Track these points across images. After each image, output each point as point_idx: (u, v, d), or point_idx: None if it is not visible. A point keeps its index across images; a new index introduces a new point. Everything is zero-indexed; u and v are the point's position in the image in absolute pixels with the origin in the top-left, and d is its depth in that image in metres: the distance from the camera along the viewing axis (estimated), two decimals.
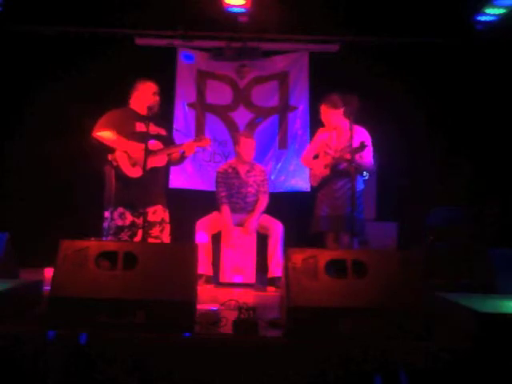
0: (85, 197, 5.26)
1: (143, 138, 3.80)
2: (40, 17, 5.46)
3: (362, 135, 4.23)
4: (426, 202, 5.33)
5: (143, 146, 3.73)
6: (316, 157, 4.47)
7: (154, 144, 3.90)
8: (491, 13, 5.24)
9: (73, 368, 2.28)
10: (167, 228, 4.03)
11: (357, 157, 4.01)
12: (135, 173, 3.85)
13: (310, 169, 4.49)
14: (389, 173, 5.67)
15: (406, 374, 2.27)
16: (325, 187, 4.31)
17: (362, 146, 3.94)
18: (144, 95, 4.00)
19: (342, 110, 4.28)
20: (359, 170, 4.20)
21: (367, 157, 4.21)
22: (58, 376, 2.28)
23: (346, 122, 4.13)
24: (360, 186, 4.28)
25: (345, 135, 4.23)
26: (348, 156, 4.00)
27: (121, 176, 3.85)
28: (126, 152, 3.86)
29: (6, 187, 5.50)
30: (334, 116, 4.31)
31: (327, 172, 4.26)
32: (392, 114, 5.51)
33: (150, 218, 3.89)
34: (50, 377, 2.28)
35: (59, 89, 5.46)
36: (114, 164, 3.86)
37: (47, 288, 2.61)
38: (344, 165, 4.17)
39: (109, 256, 2.63)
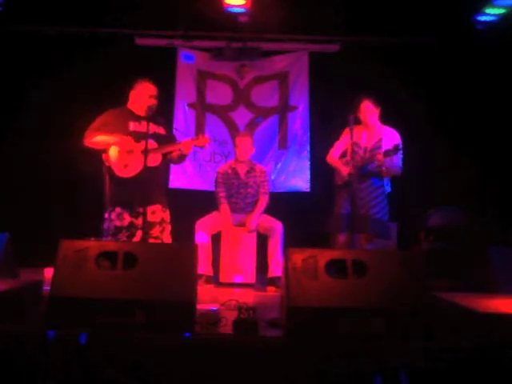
0: (85, 197, 5.26)
1: (137, 137, 3.79)
2: (40, 17, 5.46)
3: (394, 138, 4.23)
4: (426, 202, 5.33)
5: (136, 144, 3.71)
6: (344, 155, 4.44)
7: (148, 143, 3.84)
8: (491, 13, 5.25)
9: (73, 368, 2.28)
10: (168, 228, 3.96)
11: (387, 159, 4.00)
12: (127, 173, 3.80)
13: (335, 167, 4.41)
14: None
15: (406, 374, 2.27)
16: (349, 186, 4.20)
17: (396, 149, 3.93)
18: (141, 96, 3.95)
19: (378, 111, 4.32)
20: (388, 172, 4.19)
21: (397, 160, 4.20)
22: (58, 376, 2.28)
23: (379, 123, 4.23)
24: (387, 188, 4.26)
25: (375, 136, 4.25)
26: (379, 157, 4.00)
27: (114, 176, 3.82)
28: (118, 151, 3.81)
29: (6, 187, 5.49)
30: (374, 115, 4.30)
31: (354, 172, 4.19)
32: (392, 113, 5.50)
33: (149, 218, 3.79)
34: (50, 377, 2.28)
35: (59, 89, 5.47)
36: (107, 164, 3.83)
37: (47, 288, 2.60)
38: (372, 165, 4.15)
39: (109, 256, 2.62)
